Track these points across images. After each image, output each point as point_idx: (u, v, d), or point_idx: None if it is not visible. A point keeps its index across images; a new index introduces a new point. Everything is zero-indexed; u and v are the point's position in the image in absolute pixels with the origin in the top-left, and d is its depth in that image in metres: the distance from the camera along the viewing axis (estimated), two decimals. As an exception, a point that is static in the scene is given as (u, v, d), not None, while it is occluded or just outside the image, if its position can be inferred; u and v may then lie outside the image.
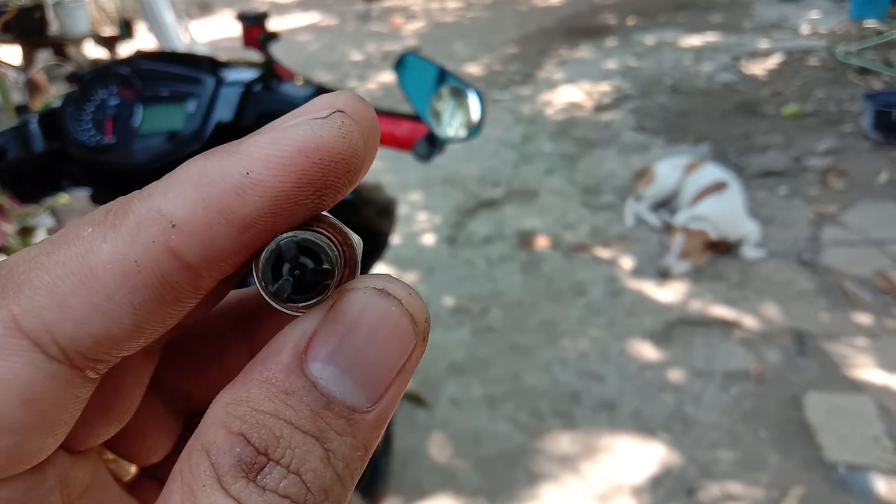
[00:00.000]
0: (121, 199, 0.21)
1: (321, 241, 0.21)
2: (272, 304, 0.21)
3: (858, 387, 2.18)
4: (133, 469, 0.28)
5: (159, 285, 0.20)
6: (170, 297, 0.20)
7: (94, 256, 0.19)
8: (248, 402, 0.19)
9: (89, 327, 0.19)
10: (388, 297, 0.21)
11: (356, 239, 0.23)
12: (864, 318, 2.45)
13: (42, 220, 2.05)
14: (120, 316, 0.20)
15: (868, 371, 2.23)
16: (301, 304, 0.21)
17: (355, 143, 0.21)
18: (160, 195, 0.20)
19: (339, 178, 0.21)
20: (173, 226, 0.19)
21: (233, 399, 0.20)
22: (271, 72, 1.14)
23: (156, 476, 0.29)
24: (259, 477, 0.19)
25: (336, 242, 0.22)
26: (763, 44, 5.44)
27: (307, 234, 0.21)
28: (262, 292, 0.21)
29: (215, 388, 0.28)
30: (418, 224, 3.43)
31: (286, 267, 0.21)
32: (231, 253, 0.20)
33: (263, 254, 0.21)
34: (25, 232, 1.87)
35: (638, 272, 2.90)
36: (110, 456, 0.27)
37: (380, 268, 2.95)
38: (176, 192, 0.20)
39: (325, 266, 0.21)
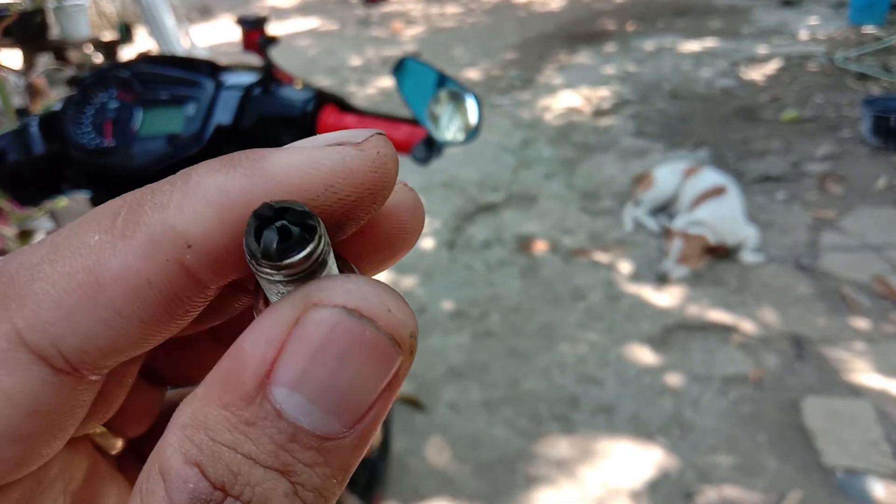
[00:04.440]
0: (127, 199, 0.20)
1: (297, 205, 0.19)
2: (264, 275, 0.19)
3: (857, 391, 2.18)
4: (119, 443, 0.28)
5: (170, 300, 0.19)
6: (179, 311, 0.20)
7: (103, 270, 0.19)
8: (205, 429, 0.18)
9: (96, 341, 0.19)
10: (361, 318, 0.18)
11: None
12: (862, 323, 2.46)
13: (41, 223, 2.05)
14: (128, 330, 0.19)
15: (866, 376, 2.23)
16: (294, 258, 0.19)
17: (388, 177, 0.20)
18: (175, 209, 0.19)
19: (365, 211, 0.21)
20: (189, 246, 0.19)
21: (191, 421, 0.18)
22: (271, 76, 1.15)
23: (140, 453, 0.29)
24: None
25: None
26: (762, 49, 5.45)
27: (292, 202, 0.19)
28: (253, 263, 0.19)
29: (183, 364, 0.28)
30: (417, 228, 3.43)
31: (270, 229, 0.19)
32: (243, 268, 0.20)
33: (249, 218, 0.19)
34: (25, 235, 1.88)
35: (636, 277, 2.91)
36: (98, 430, 0.26)
37: (378, 273, 2.95)
38: (193, 209, 0.19)
39: (308, 215, 0.19)
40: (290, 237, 0.19)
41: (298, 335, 0.18)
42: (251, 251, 0.18)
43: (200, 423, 0.18)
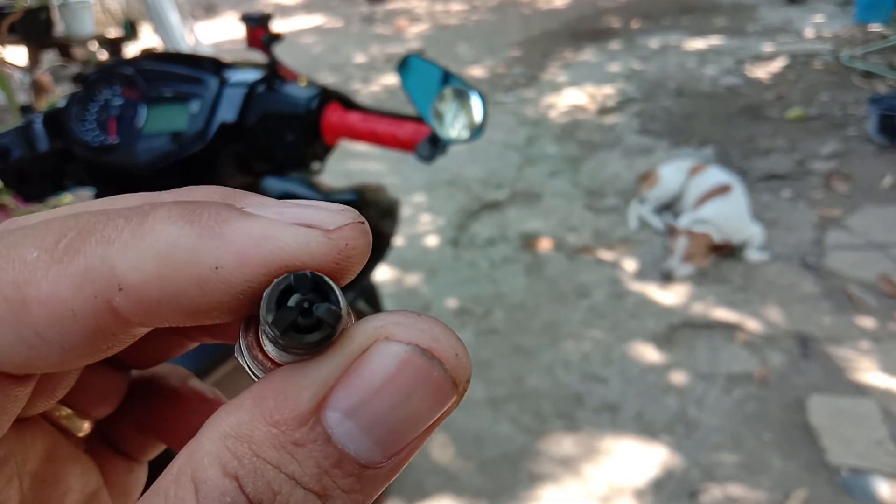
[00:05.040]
0: (80, 222, 0.19)
1: (330, 281, 0.19)
2: (270, 347, 0.19)
3: (862, 390, 2.17)
4: (86, 425, 0.27)
5: (93, 335, 0.19)
6: (102, 345, 0.19)
7: (31, 290, 0.18)
8: (250, 443, 0.17)
9: (13, 356, 0.18)
10: (433, 359, 0.19)
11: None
12: (867, 322, 2.45)
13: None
14: (47, 352, 0.19)
15: (872, 374, 2.22)
16: (306, 341, 0.18)
17: (350, 270, 0.20)
18: (119, 249, 0.18)
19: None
20: (120, 289, 0.18)
21: (235, 432, 0.18)
22: (275, 73, 1.15)
23: (105, 433, 0.28)
24: None
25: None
26: (767, 47, 5.44)
27: (318, 274, 0.19)
28: (265, 326, 0.18)
29: (143, 351, 0.28)
30: (422, 226, 3.43)
31: (295, 298, 0.18)
32: (174, 319, 0.19)
33: (272, 285, 0.18)
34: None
35: (641, 275, 2.90)
36: (64, 412, 0.26)
37: (383, 269, 2.96)
38: (137, 254, 0.18)
39: (335, 303, 0.18)
40: (310, 313, 0.18)
41: (365, 364, 0.18)
42: (274, 321, 0.18)
43: (245, 436, 0.18)
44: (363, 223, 0.20)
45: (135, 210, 0.19)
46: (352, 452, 0.18)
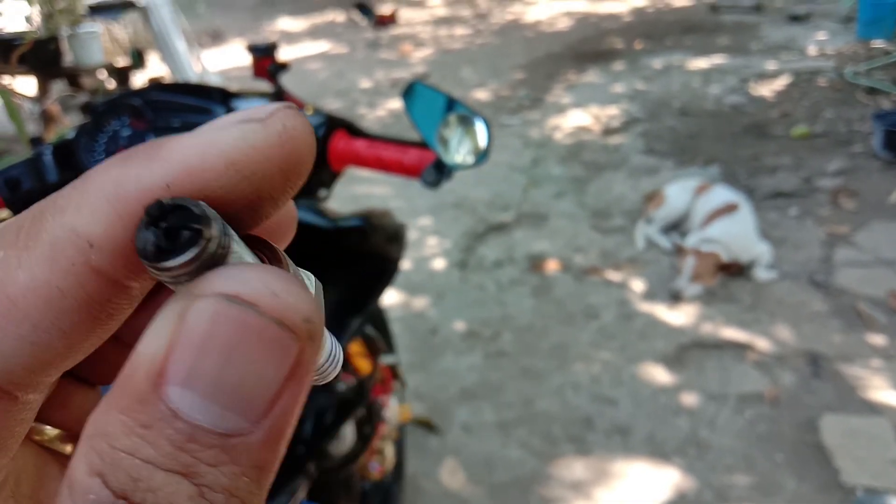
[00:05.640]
0: (32, 210, 0.19)
1: (191, 203, 0.18)
2: (151, 271, 0.18)
3: (874, 409, 2.16)
4: (71, 447, 0.26)
5: (88, 306, 0.18)
6: (102, 315, 0.19)
7: (11, 286, 0.18)
8: (105, 437, 0.17)
9: (20, 360, 0.18)
10: (241, 304, 0.17)
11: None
12: (878, 339, 2.43)
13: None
14: (50, 342, 0.18)
15: (884, 393, 2.20)
16: (171, 262, 0.17)
17: (298, 152, 0.19)
18: (73, 211, 0.18)
19: (279, 191, 0.20)
20: (91, 245, 0.18)
21: (95, 430, 0.17)
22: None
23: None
24: None
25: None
26: (771, 65, 5.46)
27: (193, 200, 0.18)
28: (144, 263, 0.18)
29: (111, 365, 0.26)
30: (428, 249, 3.44)
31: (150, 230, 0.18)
32: None
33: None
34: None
35: (649, 295, 2.90)
36: (50, 433, 0.25)
37: (390, 294, 2.96)
38: (91, 208, 0.18)
39: (196, 214, 0.18)
40: (177, 237, 0.18)
41: (184, 330, 0.17)
42: (138, 251, 0.18)
43: (101, 431, 0.17)
44: (295, 108, 0.20)
45: (79, 179, 0.19)
46: (205, 423, 0.17)
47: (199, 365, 0.17)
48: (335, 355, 0.24)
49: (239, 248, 0.19)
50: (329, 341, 0.24)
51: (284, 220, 0.24)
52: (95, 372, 0.26)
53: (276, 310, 0.17)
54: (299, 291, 0.18)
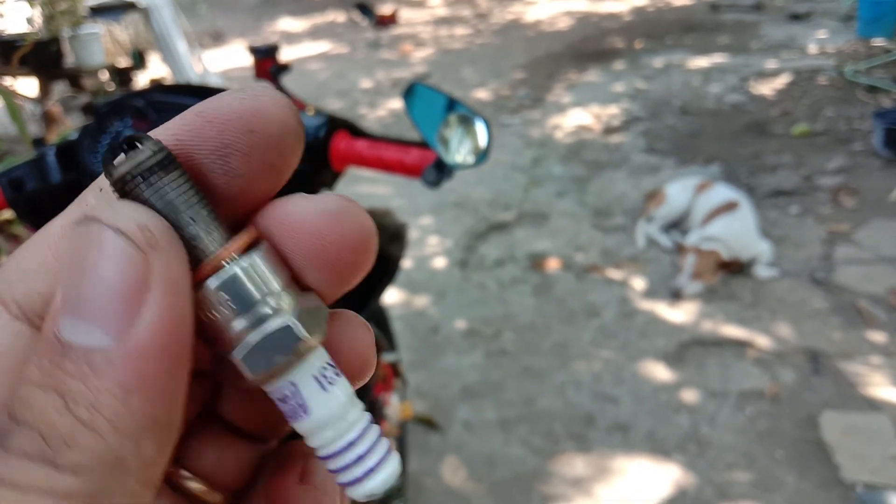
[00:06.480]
0: (86, 203, 0.23)
1: (144, 136, 0.21)
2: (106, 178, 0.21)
3: (875, 405, 2.16)
4: (219, 497, 0.26)
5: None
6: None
7: (49, 228, 0.21)
8: (21, 380, 0.18)
9: (37, 284, 0.20)
10: (89, 220, 0.19)
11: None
12: (878, 337, 2.44)
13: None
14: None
15: (884, 389, 2.21)
16: (108, 168, 0.21)
17: (259, 105, 0.22)
18: (91, 199, 0.22)
19: (239, 137, 0.21)
20: (101, 190, 0.22)
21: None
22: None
23: None
24: (5, 441, 0.17)
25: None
26: (771, 64, 5.46)
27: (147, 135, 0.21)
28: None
29: (259, 414, 0.27)
30: (430, 248, 3.45)
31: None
32: None
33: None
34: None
35: (650, 293, 2.90)
36: (199, 484, 0.25)
37: (392, 293, 2.97)
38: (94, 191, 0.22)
39: (136, 137, 0.21)
40: (117, 153, 0.21)
41: (64, 259, 0.19)
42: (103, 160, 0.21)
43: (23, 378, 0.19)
44: (271, 87, 0.23)
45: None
46: (74, 341, 0.18)
47: (68, 286, 0.19)
48: (360, 449, 0.23)
49: (193, 196, 0.21)
50: (353, 427, 0.23)
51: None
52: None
53: (112, 220, 0.19)
54: (142, 210, 0.20)
